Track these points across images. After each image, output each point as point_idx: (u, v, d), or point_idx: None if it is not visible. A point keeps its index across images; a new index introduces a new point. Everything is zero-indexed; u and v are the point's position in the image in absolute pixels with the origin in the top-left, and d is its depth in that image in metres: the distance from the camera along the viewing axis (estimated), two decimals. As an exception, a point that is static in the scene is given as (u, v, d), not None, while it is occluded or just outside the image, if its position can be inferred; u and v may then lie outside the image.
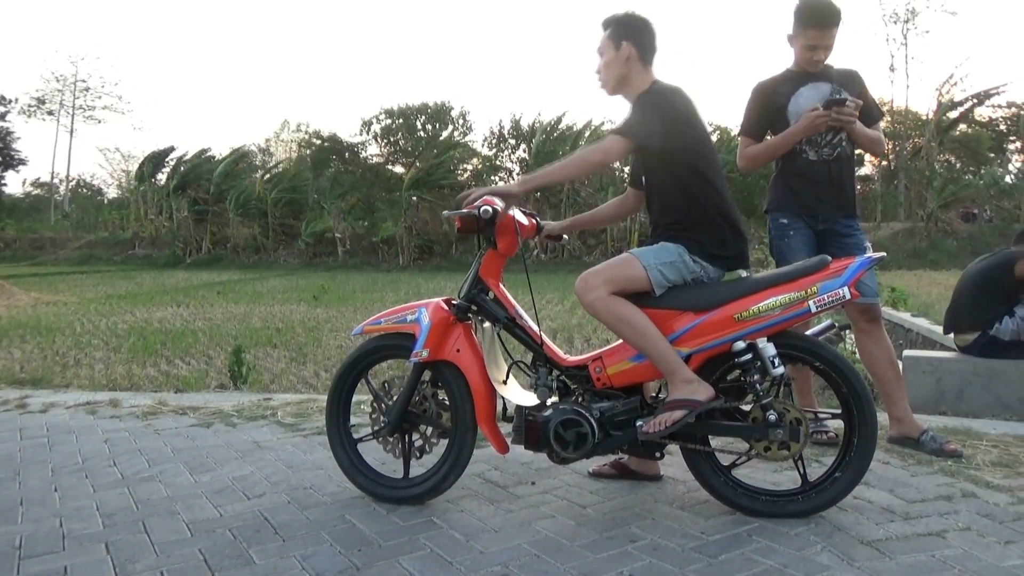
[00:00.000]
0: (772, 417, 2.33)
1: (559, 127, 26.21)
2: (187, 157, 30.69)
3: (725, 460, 2.54)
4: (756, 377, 2.36)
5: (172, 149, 31.26)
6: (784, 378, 2.39)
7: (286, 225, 27.52)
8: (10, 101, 44.94)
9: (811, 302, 2.31)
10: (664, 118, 2.41)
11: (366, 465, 2.79)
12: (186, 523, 2.59)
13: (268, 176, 29.67)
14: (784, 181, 3.39)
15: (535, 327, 2.59)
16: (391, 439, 2.71)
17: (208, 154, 30.94)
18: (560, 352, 2.63)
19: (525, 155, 26.35)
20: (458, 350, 2.57)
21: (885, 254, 2.63)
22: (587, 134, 25.50)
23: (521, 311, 2.63)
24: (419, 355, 2.55)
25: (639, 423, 2.41)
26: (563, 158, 2.56)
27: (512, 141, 27.43)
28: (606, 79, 2.59)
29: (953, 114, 25.09)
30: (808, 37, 3.20)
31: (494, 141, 27.90)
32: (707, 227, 2.46)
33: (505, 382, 2.63)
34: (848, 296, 2.32)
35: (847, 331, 2.57)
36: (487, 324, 2.67)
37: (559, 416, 2.42)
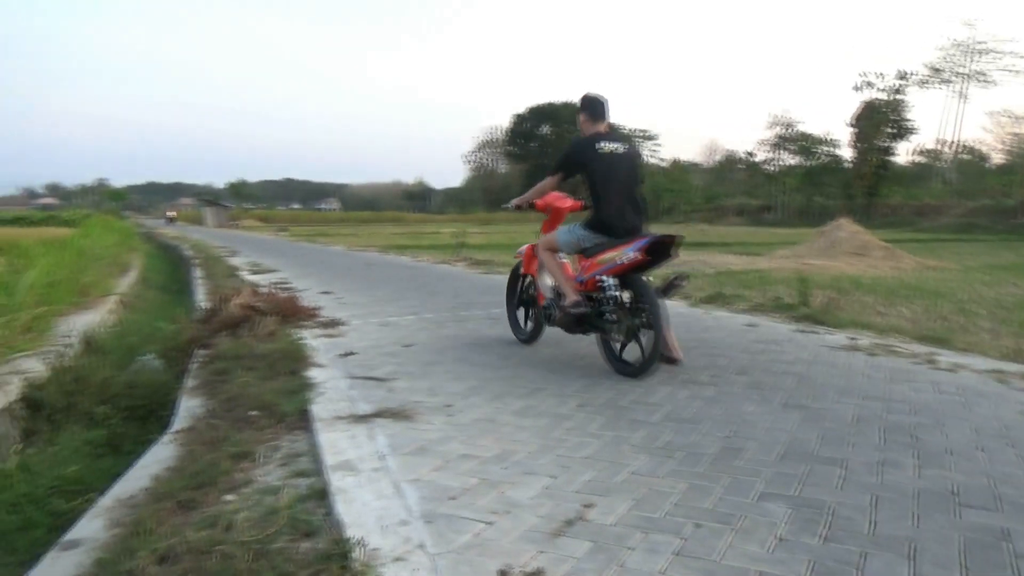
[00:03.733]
0: (612, 319, 4.18)
1: None
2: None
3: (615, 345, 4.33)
4: (608, 295, 4.14)
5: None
6: (620, 299, 4.15)
7: None
8: (908, 75, 47.28)
9: (619, 259, 4.08)
10: (565, 157, 4.50)
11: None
12: None
13: None
14: None
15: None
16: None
17: None
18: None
19: None
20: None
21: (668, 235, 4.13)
22: None
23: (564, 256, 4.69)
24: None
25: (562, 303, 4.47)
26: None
27: None
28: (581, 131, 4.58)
29: None
30: None
31: None
32: (592, 217, 4.40)
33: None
34: (635, 256, 4.01)
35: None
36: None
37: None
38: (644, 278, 4.15)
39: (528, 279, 5.20)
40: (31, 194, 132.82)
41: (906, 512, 2.40)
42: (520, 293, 5.34)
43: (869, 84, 57.27)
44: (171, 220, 52.47)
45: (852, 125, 59.03)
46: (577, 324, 4.42)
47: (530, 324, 5.28)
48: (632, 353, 4.28)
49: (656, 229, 4.34)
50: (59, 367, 4.81)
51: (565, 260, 4.62)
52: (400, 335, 5.69)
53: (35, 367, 4.53)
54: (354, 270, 12.48)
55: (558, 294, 4.58)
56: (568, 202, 4.97)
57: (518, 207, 4.99)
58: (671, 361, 4.31)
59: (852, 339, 5.44)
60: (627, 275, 4.13)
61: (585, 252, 4.40)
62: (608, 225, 4.31)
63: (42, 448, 4.05)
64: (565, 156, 4.48)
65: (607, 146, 4.32)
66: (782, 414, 3.53)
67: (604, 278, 4.15)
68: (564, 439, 3.13)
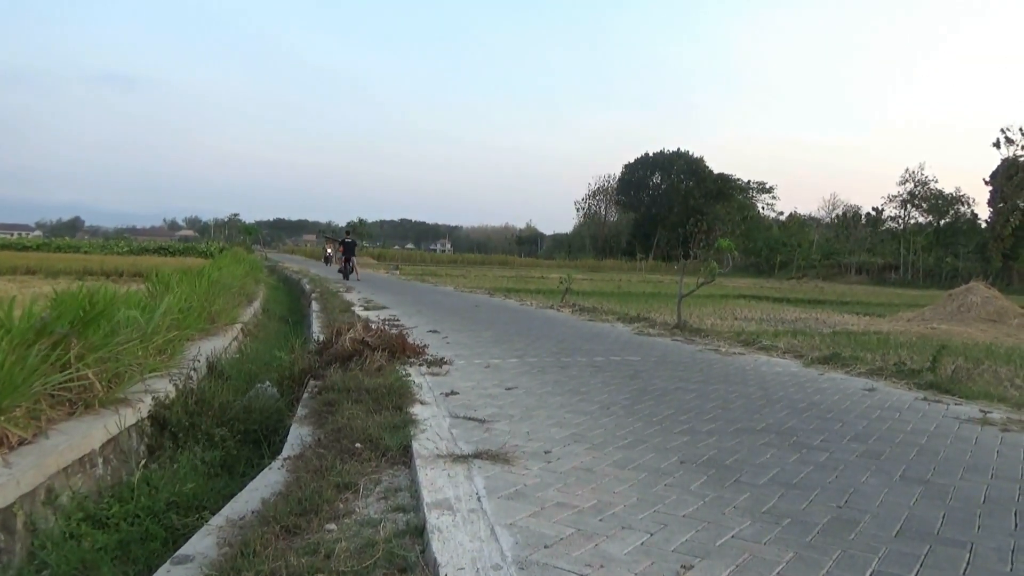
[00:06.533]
0: (344, 268, 24.52)
1: None
2: None
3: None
4: (344, 264, 25.03)
5: None
6: (346, 266, 24.58)
7: None
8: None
9: (341, 257, 26.21)
10: (339, 243, 27.69)
11: None
12: None
13: None
14: None
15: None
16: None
17: None
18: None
19: None
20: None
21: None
22: None
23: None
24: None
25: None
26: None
27: None
28: None
29: None
30: None
31: None
32: (344, 251, 25.02)
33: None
34: (343, 258, 25.20)
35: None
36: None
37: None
38: (350, 261, 23.98)
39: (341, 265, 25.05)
40: (172, 226, 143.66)
41: (1042, 607, 2.19)
42: (341, 269, 24.74)
43: (1010, 141, 54.02)
44: (328, 260, 36.72)
45: (990, 183, 55.64)
46: (343, 272, 23.98)
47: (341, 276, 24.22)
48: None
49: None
50: (185, 389, 5.12)
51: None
52: (503, 377, 5.73)
53: (164, 387, 4.85)
54: (462, 311, 12.73)
55: (341, 265, 24.88)
56: (341, 248, 24.91)
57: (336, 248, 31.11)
58: (357, 279, 23.22)
59: (984, 412, 5.05)
60: (347, 261, 23.94)
61: (343, 256, 24.44)
62: (346, 251, 24.26)
63: (164, 464, 4.30)
64: (339, 242, 27.07)
65: (348, 239, 24.93)
66: (901, 487, 3.31)
67: (344, 261, 24.19)
68: (664, 495, 3.05)
